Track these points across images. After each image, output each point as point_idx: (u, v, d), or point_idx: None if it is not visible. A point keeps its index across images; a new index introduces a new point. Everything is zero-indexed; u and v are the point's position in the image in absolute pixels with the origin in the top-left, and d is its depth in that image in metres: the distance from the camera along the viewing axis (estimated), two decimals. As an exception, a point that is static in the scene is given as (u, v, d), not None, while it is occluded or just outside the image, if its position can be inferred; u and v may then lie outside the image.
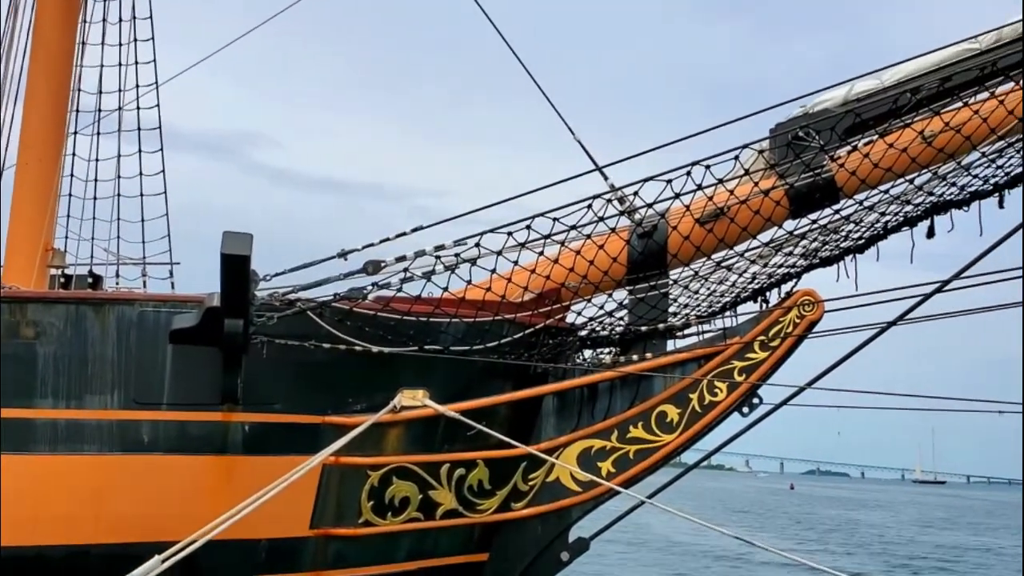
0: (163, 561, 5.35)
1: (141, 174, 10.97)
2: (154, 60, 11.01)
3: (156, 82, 11.07)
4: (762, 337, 6.79)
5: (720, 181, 6.23)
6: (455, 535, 6.70)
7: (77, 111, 10.47)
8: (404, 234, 6.18)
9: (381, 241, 6.11)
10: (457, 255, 6.05)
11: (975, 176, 6.58)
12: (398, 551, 6.58)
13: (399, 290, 6.09)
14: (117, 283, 11.12)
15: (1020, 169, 6.62)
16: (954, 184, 6.62)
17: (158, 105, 11.05)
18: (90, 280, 10.07)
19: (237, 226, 5.49)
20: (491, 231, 6.05)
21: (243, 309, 5.71)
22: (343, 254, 6.04)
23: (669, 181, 6.10)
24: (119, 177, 10.90)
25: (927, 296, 6.51)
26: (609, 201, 6.38)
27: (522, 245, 6.11)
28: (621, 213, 6.61)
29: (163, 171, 11.04)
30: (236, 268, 5.54)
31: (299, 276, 6.12)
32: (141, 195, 11.00)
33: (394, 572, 6.59)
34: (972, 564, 34.70)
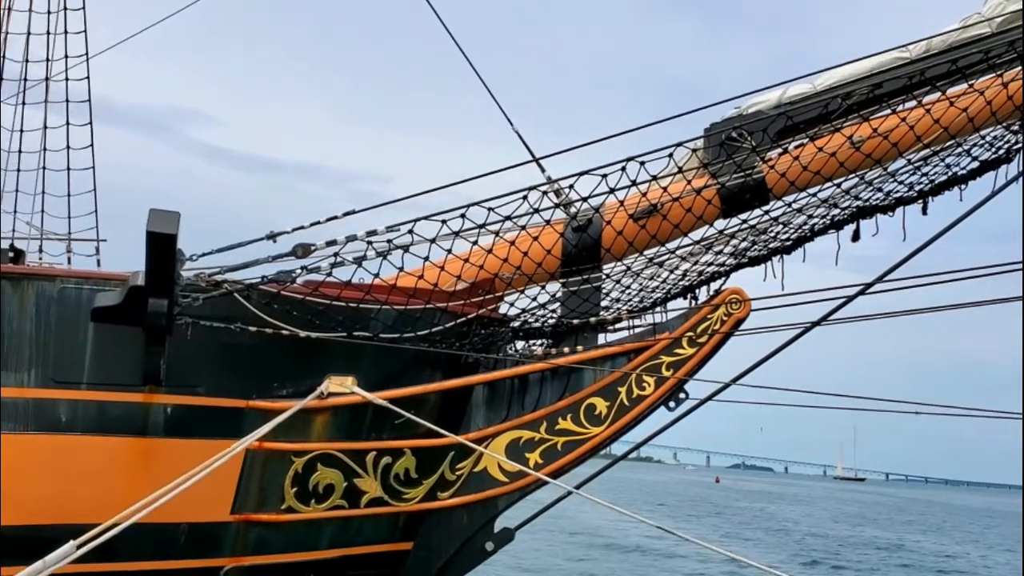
0: (78, 547, 5.20)
1: (68, 147, 10.69)
2: (84, 31, 10.73)
3: (87, 53, 10.80)
4: (690, 333, 6.86)
5: (654, 178, 6.28)
6: (379, 523, 6.66)
7: (1, 79, 10.16)
8: (335, 218, 6.11)
9: (311, 224, 6.03)
10: (389, 241, 6.00)
11: (900, 182, 6.76)
12: (321, 538, 6.52)
13: (329, 274, 6.02)
14: (40, 258, 10.83)
15: (944, 177, 6.83)
16: (880, 189, 6.79)
17: (88, 77, 10.78)
18: (11, 254, 9.77)
19: (168, 204, 5.41)
20: (425, 218, 6.00)
21: (168, 289, 5.60)
22: (272, 236, 5.95)
23: (604, 176, 6.13)
24: (45, 149, 10.62)
25: (851, 298, 6.65)
26: (545, 193, 6.39)
27: (456, 233, 6.08)
28: (557, 206, 6.63)
29: (92, 145, 10.79)
30: (162, 247, 5.43)
31: (227, 257, 6.02)
32: (68, 169, 10.73)
33: (316, 559, 6.52)
34: (877, 559, 35.96)
